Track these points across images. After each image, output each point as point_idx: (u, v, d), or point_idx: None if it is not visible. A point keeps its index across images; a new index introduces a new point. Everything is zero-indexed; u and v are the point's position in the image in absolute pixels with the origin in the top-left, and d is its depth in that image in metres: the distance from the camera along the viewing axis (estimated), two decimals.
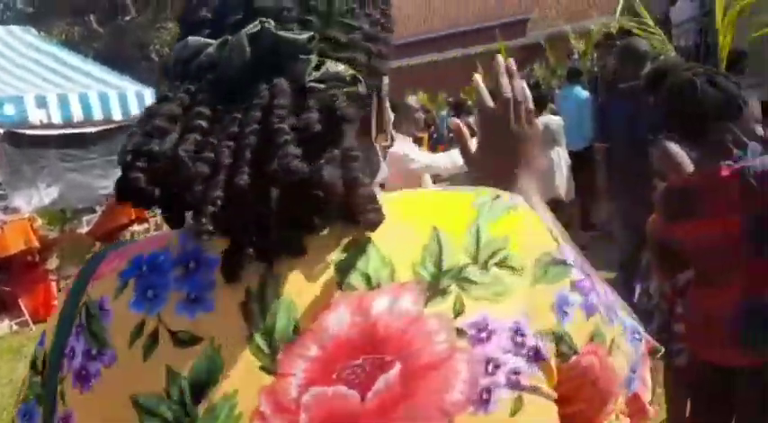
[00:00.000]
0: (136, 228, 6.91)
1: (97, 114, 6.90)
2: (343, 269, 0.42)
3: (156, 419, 0.41)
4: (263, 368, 0.41)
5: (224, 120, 0.41)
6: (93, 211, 6.97)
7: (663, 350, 0.65)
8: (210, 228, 0.39)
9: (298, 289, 0.42)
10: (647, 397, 0.55)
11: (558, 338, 0.45)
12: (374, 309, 0.41)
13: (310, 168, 0.39)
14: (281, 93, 0.41)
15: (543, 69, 11.02)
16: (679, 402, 2.06)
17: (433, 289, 0.42)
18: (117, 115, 7.08)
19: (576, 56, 9.24)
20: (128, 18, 15.87)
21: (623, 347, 0.52)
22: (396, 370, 0.40)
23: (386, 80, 0.52)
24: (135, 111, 7.19)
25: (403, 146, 2.79)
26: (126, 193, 0.41)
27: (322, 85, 0.42)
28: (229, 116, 0.41)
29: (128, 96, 7.22)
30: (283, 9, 0.43)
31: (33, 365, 0.50)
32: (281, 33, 0.42)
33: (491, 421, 0.41)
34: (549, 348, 0.44)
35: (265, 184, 0.40)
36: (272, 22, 0.42)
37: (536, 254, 0.46)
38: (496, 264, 0.44)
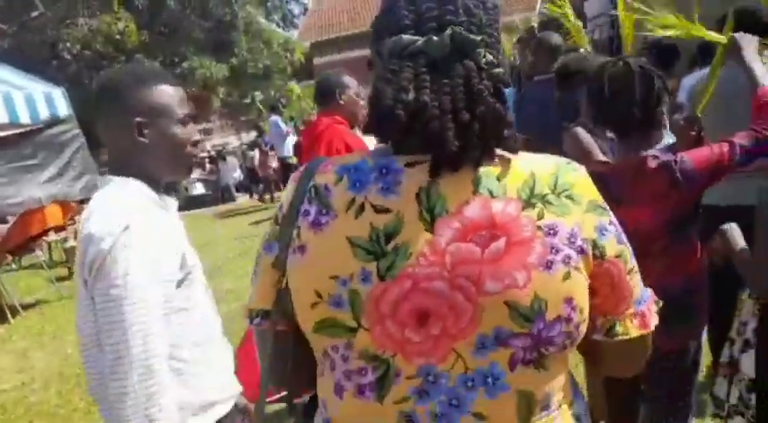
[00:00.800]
0: (52, 237, 6.53)
1: (2, 117, 6.42)
2: (479, 183, 0.72)
3: (363, 251, 0.72)
4: (426, 230, 0.71)
5: (438, 83, 0.70)
6: (3, 222, 6.49)
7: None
8: (455, 144, 0.69)
9: (450, 190, 0.72)
10: (650, 320, 0.81)
11: (595, 246, 0.74)
12: (493, 208, 0.71)
13: (502, 108, 0.71)
14: (472, 69, 0.71)
15: None
16: (593, 383, 2.13)
17: (527, 203, 0.72)
18: (24, 118, 6.61)
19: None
20: (35, 14, 14.85)
21: (637, 279, 0.81)
22: (502, 241, 0.71)
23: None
24: (44, 113, 6.73)
25: None
26: (386, 127, 0.72)
27: (486, 67, 0.72)
28: (440, 82, 0.70)
29: (35, 98, 6.76)
30: (461, 22, 0.73)
31: (275, 221, 0.83)
32: (467, 35, 0.72)
33: (550, 278, 0.71)
34: (588, 248, 0.74)
35: (470, 121, 0.69)
36: (458, 28, 0.72)
37: (589, 197, 0.76)
38: (565, 196, 0.74)
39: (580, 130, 2.11)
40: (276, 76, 16.82)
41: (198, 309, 1.28)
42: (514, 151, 0.76)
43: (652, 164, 1.57)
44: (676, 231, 1.63)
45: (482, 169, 0.73)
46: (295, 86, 11.50)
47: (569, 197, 0.74)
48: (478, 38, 0.72)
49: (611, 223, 0.77)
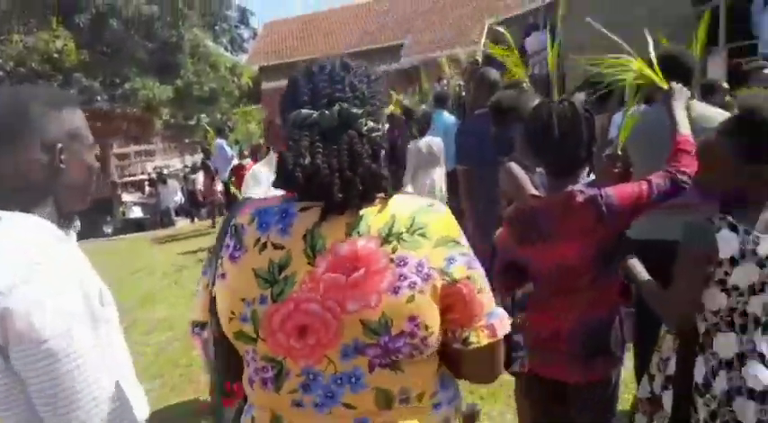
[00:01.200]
0: None
1: None
2: (350, 225, 0.91)
3: (262, 280, 0.92)
4: (308, 263, 0.91)
5: (329, 149, 0.89)
6: None
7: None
8: (339, 196, 0.88)
9: (329, 231, 0.91)
10: (499, 331, 0.97)
11: (443, 272, 0.91)
12: (358, 245, 0.90)
13: (378, 167, 0.90)
14: (354, 137, 0.90)
15: (418, 93, 11.46)
16: (522, 409, 2.12)
17: (385, 240, 0.90)
18: None
19: (444, 82, 9.68)
20: None
21: (488, 297, 0.96)
22: (362, 271, 0.89)
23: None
24: None
25: None
26: (289, 183, 0.91)
27: (367, 132, 0.92)
28: (330, 148, 0.89)
29: None
30: (347, 98, 0.92)
31: (210, 250, 1.70)
32: (350, 109, 0.91)
33: (396, 300, 0.88)
34: (436, 275, 0.90)
35: (352, 178, 0.88)
36: (345, 104, 0.91)
37: (440, 234, 0.92)
38: (418, 234, 0.90)
39: (514, 166, 2.15)
40: (223, 100, 16.59)
41: (111, 349, 1.14)
42: (390, 194, 0.94)
43: (579, 198, 1.62)
44: (602, 265, 1.66)
45: (361, 213, 0.92)
46: (247, 109, 11.34)
47: (421, 235, 0.91)
48: (361, 110, 0.93)
49: (461, 254, 0.94)
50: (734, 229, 1.47)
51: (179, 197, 14.80)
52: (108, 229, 14.01)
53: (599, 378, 1.72)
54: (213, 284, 1.02)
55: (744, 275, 1.47)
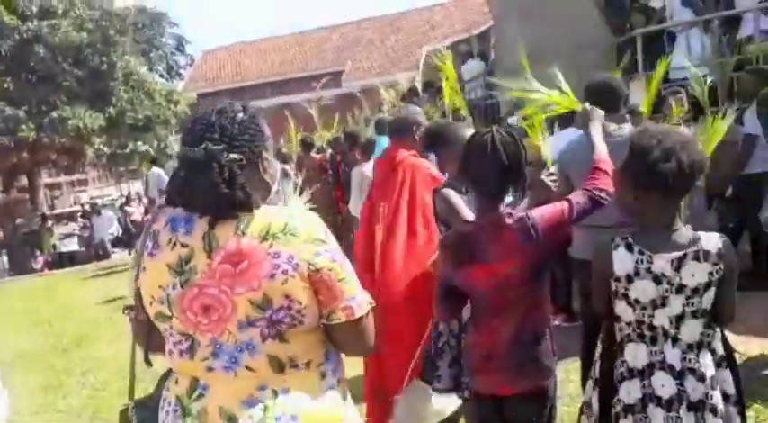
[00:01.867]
0: None
1: None
2: (237, 228, 1.19)
3: (173, 271, 1.21)
4: (207, 257, 1.19)
5: (199, 177, 1.18)
6: None
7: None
8: (212, 210, 1.20)
9: (221, 233, 1.19)
10: (355, 312, 1.25)
11: (309, 263, 1.19)
12: (242, 243, 1.18)
13: (231, 192, 1.18)
14: (215, 168, 1.18)
15: (362, 119, 11.59)
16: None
17: (263, 239, 1.18)
18: None
19: (385, 107, 9.85)
20: None
21: (349, 286, 1.25)
22: (246, 262, 1.17)
23: (264, 154, 1.29)
24: None
25: None
26: (171, 203, 1.25)
27: (228, 163, 1.18)
28: (200, 176, 1.18)
29: None
30: (213, 138, 1.21)
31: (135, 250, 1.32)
32: (212, 147, 1.19)
33: (273, 283, 1.17)
34: (303, 265, 1.19)
35: (217, 198, 1.18)
36: (209, 144, 1.19)
37: (308, 234, 1.22)
38: (290, 234, 1.19)
39: (449, 192, 2.25)
40: (159, 127, 16.15)
41: None
42: (257, 205, 1.22)
43: (509, 220, 1.72)
44: (533, 281, 1.76)
45: (244, 219, 1.20)
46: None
47: (293, 234, 1.20)
48: (222, 146, 1.19)
49: (326, 250, 1.23)
50: (630, 248, 1.60)
51: (114, 228, 14.21)
52: (37, 265, 13.25)
53: (532, 388, 1.79)
54: (137, 278, 1.27)
55: (642, 291, 1.60)
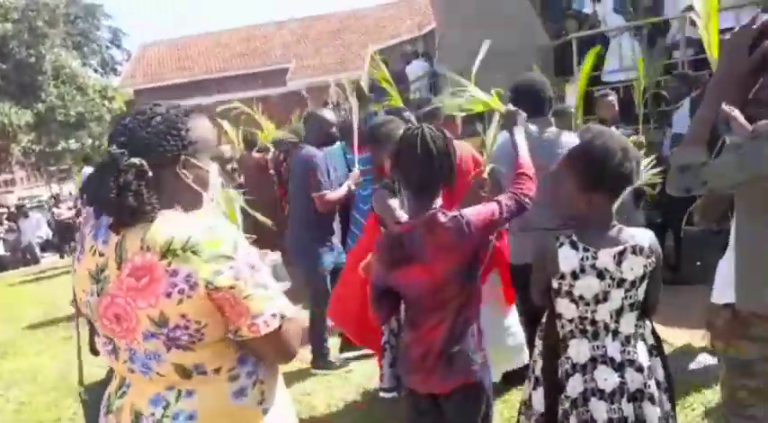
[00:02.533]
0: None
1: None
2: (143, 241, 1.17)
3: (92, 278, 1.24)
4: (117, 268, 1.20)
5: (107, 180, 1.17)
6: None
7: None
8: (114, 216, 1.19)
9: (129, 244, 1.19)
10: (261, 330, 1.20)
11: (209, 283, 1.15)
12: (146, 257, 1.16)
13: (120, 199, 1.16)
14: (114, 170, 1.17)
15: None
16: None
17: (163, 255, 1.15)
18: None
19: (330, 107, 9.79)
20: None
21: (255, 302, 1.20)
22: (147, 278, 1.16)
23: (185, 159, 1.26)
24: None
25: None
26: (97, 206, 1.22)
27: (125, 168, 1.17)
28: (108, 178, 1.17)
29: None
30: (121, 141, 1.21)
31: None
32: (115, 151, 1.19)
33: (169, 302, 1.15)
34: (202, 285, 1.15)
35: (117, 203, 1.17)
36: (116, 147, 1.20)
37: (211, 252, 1.16)
38: (191, 251, 1.15)
39: (383, 192, 2.25)
40: (93, 125, 15.42)
41: None
42: (152, 218, 1.20)
43: (442, 219, 1.71)
44: (466, 279, 1.77)
45: (149, 230, 1.18)
46: None
47: (194, 252, 1.15)
48: (122, 151, 1.18)
49: (230, 267, 1.17)
50: (574, 246, 1.66)
51: (44, 231, 13.47)
52: None
53: (465, 383, 1.80)
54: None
55: (586, 287, 1.65)
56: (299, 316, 1.33)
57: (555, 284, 1.69)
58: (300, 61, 19.82)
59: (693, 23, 5.44)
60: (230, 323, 1.20)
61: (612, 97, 4.50)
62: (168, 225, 1.18)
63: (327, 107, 10.06)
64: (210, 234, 1.18)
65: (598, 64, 5.15)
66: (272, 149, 6.73)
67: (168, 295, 1.15)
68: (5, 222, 14.63)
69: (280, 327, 1.22)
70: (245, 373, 1.27)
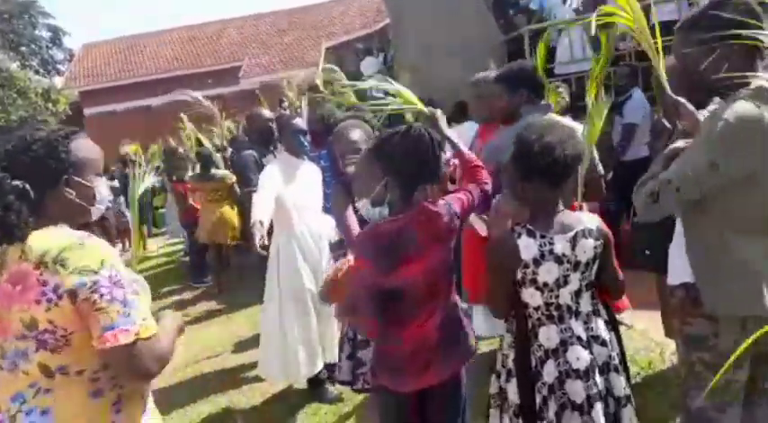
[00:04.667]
0: None
1: None
2: (23, 252, 1.32)
3: None
4: (1, 275, 1.35)
5: None
6: None
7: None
8: None
9: (11, 255, 1.33)
10: (110, 342, 1.29)
11: (71, 293, 1.29)
12: (22, 267, 1.31)
13: (2, 218, 1.30)
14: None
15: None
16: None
17: (36, 266, 1.30)
18: None
19: (286, 104, 9.67)
20: None
21: (107, 315, 1.30)
22: (21, 285, 1.31)
23: (69, 178, 1.41)
24: None
25: None
26: None
27: (10, 188, 1.32)
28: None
29: None
30: (3, 167, 1.34)
31: None
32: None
33: (39, 308, 1.29)
34: (65, 294, 1.29)
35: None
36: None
37: (78, 265, 1.29)
38: (60, 264, 1.29)
39: (340, 188, 2.24)
40: None
41: None
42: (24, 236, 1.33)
43: (433, 208, 1.77)
44: (452, 266, 1.82)
45: (30, 243, 1.31)
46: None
47: (62, 265, 1.29)
48: (4, 174, 1.32)
49: (92, 281, 1.29)
50: (531, 234, 1.71)
51: None
52: None
53: (455, 374, 1.85)
54: None
55: (548, 273, 1.71)
56: (163, 338, 1.38)
57: (519, 275, 1.72)
58: (252, 59, 19.52)
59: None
60: (91, 332, 1.32)
61: (561, 89, 4.63)
62: (46, 239, 1.32)
63: (283, 105, 9.96)
64: (79, 249, 1.32)
65: (550, 57, 5.27)
66: (230, 149, 6.62)
67: (38, 302, 1.29)
68: None
69: (133, 343, 1.30)
70: (106, 379, 1.39)
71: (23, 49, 19.21)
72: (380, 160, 1.81)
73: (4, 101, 13.92)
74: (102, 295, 1.29)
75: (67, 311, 1.29)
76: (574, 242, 1.70)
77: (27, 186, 1.32)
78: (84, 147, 1.46)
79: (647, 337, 3.36)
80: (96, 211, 1.49)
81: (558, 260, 1.70)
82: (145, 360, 1.32)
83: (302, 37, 20.04)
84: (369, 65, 9.95)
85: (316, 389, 3.35)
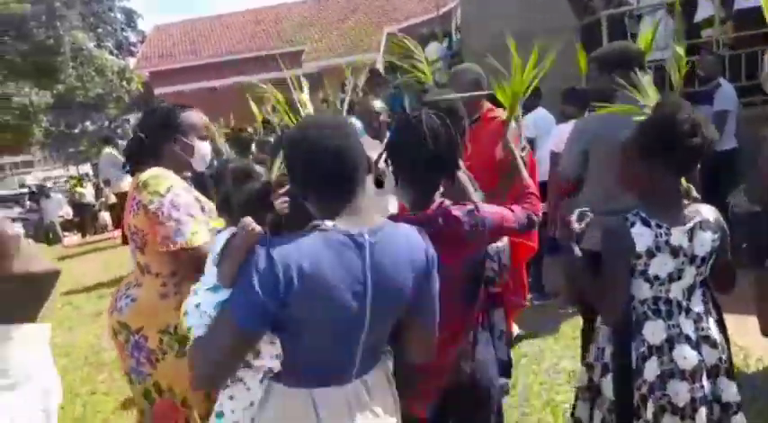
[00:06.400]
0: None
1: None
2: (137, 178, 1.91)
3: None
4: None
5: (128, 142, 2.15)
6: None
7: None
8: None
9: (133, 182, 1.93)
10: (165, 247, 1.79)
11: (145, 207, 1.82)
12: (134, 188, 1.90)
13: (129, 154, 2.06)
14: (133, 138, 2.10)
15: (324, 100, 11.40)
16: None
17: (135, 187, 1.87)
18: None
19: (347, 88, 9.70)
20: None
21: (166, 228, 1.77)
22: (130, 201, 1.89)
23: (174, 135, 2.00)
24: None
25: None
26: None
27: (136, 138, 2.04)
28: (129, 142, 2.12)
29: None
30: (137, 125, 2.07)
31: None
32: (134, 128, 2.09)
33: (131, 215, 1.87)
34: (141, 206, 1.83)
35: None
36: (137, 127, 2.09)
37: (151, 189, 1.83)
38: (143, 186, 1.84)
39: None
40: (111, 106, 15.49)
41: None
42: None
43: (456, 211, 1.56)
44: (474, 279, 1.65)
45: (139, 174, 1.84)
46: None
47: (144, 187, 1.81)
48: (136, 129, 1.86)
49: (158, 200, 1.77)
50: (646, 223, 1.60)
51: (65, 211, 13.63)
52: None
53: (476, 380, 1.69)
54: None
55: (661, 265, 1.59)
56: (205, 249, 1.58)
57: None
58: (313, 43, 19.69)
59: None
60: None
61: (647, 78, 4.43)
62: (146, 172, 1.85)
63: (345, 89, 10.00)
64: (156, 178, 1.82)
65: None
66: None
67: (130, 211, 1.84)
68: (27, 203, 14.82)
69: (182, 249, 1.74)
70: (172, 284, 1.85)
71: (100, 30, 20.10)
72: (391, 154, 1.62)
73: (84, 78, 14.65)
74: (162, 213, 1.76)
75: (143, 219, 1.80)
76: (691, 234, 1.59)
77: (144, 138, 1.95)
78: (191, 116, 2.01)
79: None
80: (197, 164, 2.01)
81: (674, 252, 1.58)
82: (186, 262, 1.77)
83: (364, 21, 20.02)
84: (433, 51, 9.83)
85: None
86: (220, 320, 1.19)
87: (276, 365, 1.27)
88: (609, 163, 2.24)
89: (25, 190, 14.41)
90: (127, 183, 10.34)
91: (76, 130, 15.77)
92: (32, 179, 21.34)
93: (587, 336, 2.49)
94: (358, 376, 1.26)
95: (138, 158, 1.94)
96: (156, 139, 1.94)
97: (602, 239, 1.65)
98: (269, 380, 1.29)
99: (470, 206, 1.58)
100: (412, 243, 1.27)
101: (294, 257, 1.12)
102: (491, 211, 1.60)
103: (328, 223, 1.19)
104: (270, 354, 1.28)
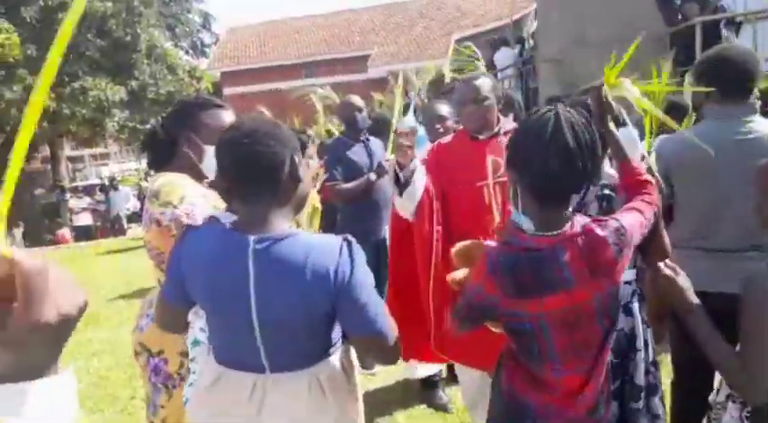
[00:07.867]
0: None
1: None
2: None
3: None
4: None
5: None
6: None
7: None
8: None
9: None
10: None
11: (157, 221, 1.64)
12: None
13: (149, 149, 1.87)
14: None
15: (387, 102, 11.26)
16: None
17: (148, 197, 1.72)
18: None
19: (413, 93, 9.49)
20: None
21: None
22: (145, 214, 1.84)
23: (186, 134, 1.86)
24: None
25: None
26: None
27: (151, 128, 1.90)
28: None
29: None
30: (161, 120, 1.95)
31: None
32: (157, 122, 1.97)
33: (146, 231, 1.70)
34: (153, 220, 1.65)
35: None
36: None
37: (163, 200, 1.64)
38: (154, 197, 1.66)
39: None
40: None
41: None
42: None
43: (602, 231, 1.32)
44: (615, 307, 1.40)
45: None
46: None
47: (155, 197, 1.60)
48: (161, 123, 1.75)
49: (171, 212, 1.57)
50: None
51: (131, 204, 14.10)
52: (54, 237, 13.21)
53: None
54: None
55: None
56: None
57: None
58: (381, 48, 19.63)
59: None
60: None
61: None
62: (157, 179, 1.66)
63: (410, 94, 9.81)
64: (169, 187, 1.60)
65: None
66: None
67: (144, 226, 1.65)
68: (98, 194, 15.46)
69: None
70: None
71: (177, 30, 20.86)
72: (514, 160, 1.35)
73: (156, 75, 15.14)
74: (177, 225, 1.55)
75: (156, 234, 1.60)
76: None
77: (159, 129, 1.75)
78: (212, 115, 1.74)
79: None
80: (207, 170, 1.70)
81: None
82: None
83: (431, 27, 19.81)
84: (504, 57, 9.44)
85: (427, 390, 3.17)
86: (160, 290, 1.45)
87: (202, 337, 1.46)
88: (699, 190, 2.01)
89: (97, 181, 15.02)
90: None
91: (148, 126, 16.31)
92: (107, 172, 22.35)
93: (682, 407, 2.14)
94: (274, 370, 1.28)
95: (155, 157, 1.74)
96: (169, 135, 1.72)
97: (746, 294, 1.28)
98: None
99: (614, 223, 1.33)
100: (314, 259, 1.22)
101: (192, 242, 1.29)
102: (633, 222, 1.37)
103: (226, 218, 1.31)
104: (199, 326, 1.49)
